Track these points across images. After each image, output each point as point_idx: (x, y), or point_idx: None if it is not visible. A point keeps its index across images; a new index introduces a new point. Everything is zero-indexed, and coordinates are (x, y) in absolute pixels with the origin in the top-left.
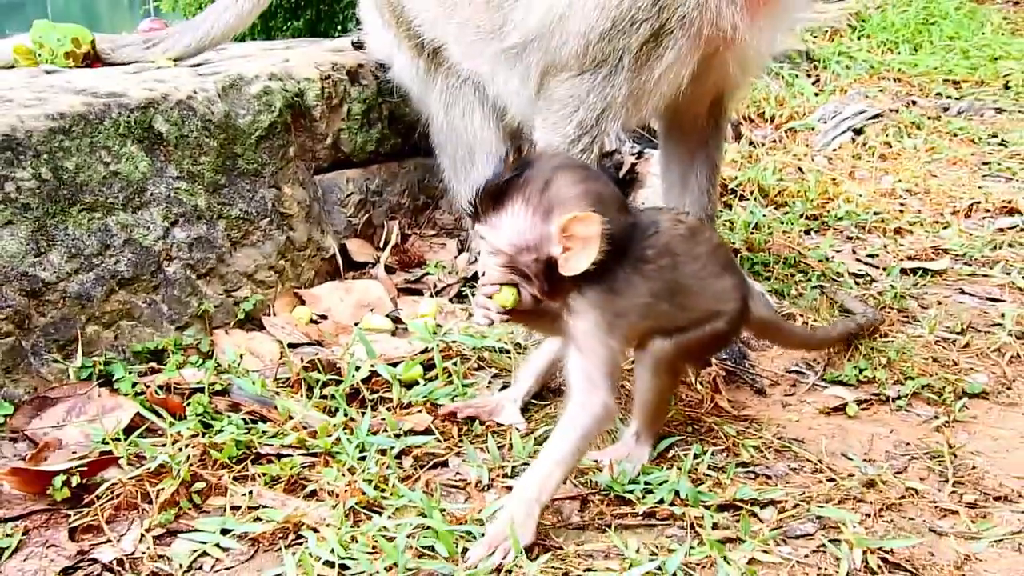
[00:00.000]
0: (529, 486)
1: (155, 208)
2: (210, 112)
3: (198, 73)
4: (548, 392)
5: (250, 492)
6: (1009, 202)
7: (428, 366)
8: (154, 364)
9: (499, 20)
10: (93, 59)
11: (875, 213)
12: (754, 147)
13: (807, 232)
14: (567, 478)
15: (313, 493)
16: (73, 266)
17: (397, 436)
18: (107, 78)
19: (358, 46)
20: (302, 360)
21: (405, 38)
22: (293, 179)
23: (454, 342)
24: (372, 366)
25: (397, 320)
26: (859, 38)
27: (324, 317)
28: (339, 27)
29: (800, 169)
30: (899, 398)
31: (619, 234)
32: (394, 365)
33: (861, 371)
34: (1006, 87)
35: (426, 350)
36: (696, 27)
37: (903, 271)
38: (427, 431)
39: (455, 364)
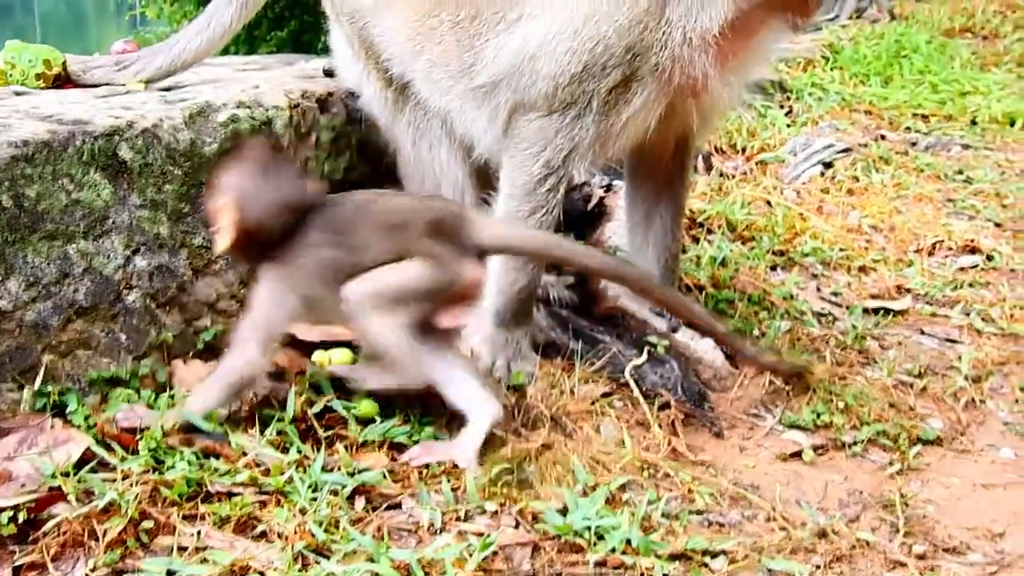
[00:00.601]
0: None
1: (116, 236)
2: (175, 140)
3: (166, 100)
4: (507, 433)
5: (199, 532)
6: (971, 240)
7: (386, 400)
8: (107, 394)
9: (469, 59)
10: (64, 80)
11: (840, 250)
12: (724, 179)
13: (773, 268)
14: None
15: (263, 534)
16: (31, 294)
17: (351, 475)
18: (74, 104)
19: (329, 73)
20: (255, 395)
21: (374, 70)
22: None
23: None
24: (328, 401)
25: (357, 349)
26: (832, 69)
27: (286, 344)
28: (324, 38)
29: (768, 203)
30: (855, 444)
31: (270, 222)
32: (351, 397)
33: (819, 415)
34: (973, 122)
35: None
36: (667, 75)
37: (865, 310)
38: (382, 470)
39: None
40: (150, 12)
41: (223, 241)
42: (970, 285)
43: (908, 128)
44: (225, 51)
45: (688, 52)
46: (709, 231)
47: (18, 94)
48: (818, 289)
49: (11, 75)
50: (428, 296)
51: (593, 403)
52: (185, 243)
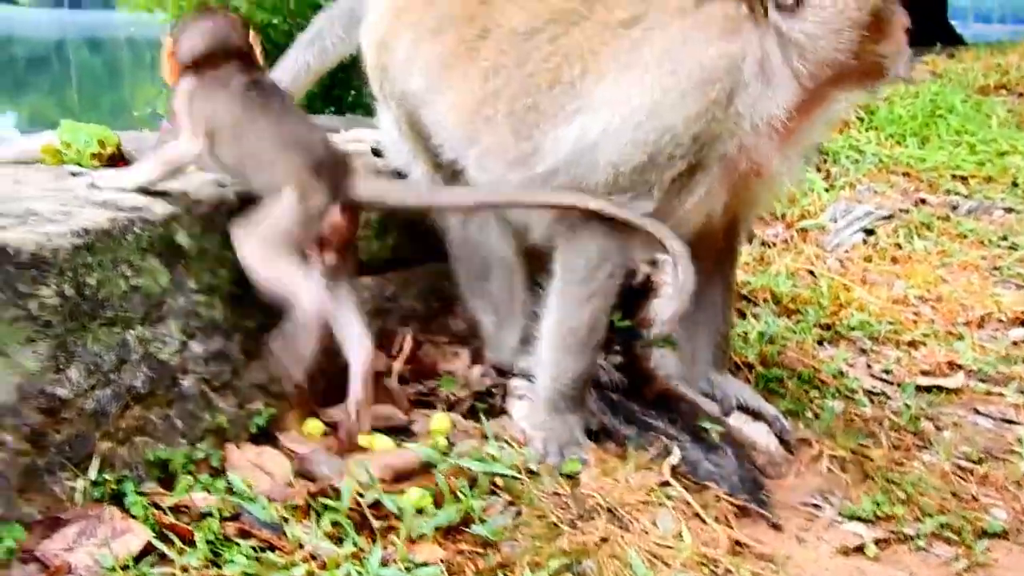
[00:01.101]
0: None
1: (173, 322)
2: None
3: (220, 184)
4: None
5: None
6: (1022, 312)
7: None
8: (166, 481)
9: (527, 148)
10: (118, 159)
11: (888, 323)
12: (766, 247)
13: (820, 342)
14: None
15: None
16: (90, 382)
17: (408, 570)
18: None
19: (377, 153)
20: (310, 483)
21: (423, 152)
22: None
23: (465, 467)
24: (376, 494)
25: (407, 433)
26: (867, 130)
27: (335, 426)
28: (353, 93)
29: (812, 273)
30: (918, 537)
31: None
32: (402, 480)
33: (879, 505)
34: (1014, 184)
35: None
36: (733, 163)
37: (918, 388)
38: (440, 566)
39: (464, 488)
40: None
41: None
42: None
43: (948, 191)
44: None
45: (755, 139)
46: (754, 303)
47: (74, 174)
48: (868, 365)
49: (66, 154)
50: (300, 230)
51: (649, 493)
52: (239, 327)
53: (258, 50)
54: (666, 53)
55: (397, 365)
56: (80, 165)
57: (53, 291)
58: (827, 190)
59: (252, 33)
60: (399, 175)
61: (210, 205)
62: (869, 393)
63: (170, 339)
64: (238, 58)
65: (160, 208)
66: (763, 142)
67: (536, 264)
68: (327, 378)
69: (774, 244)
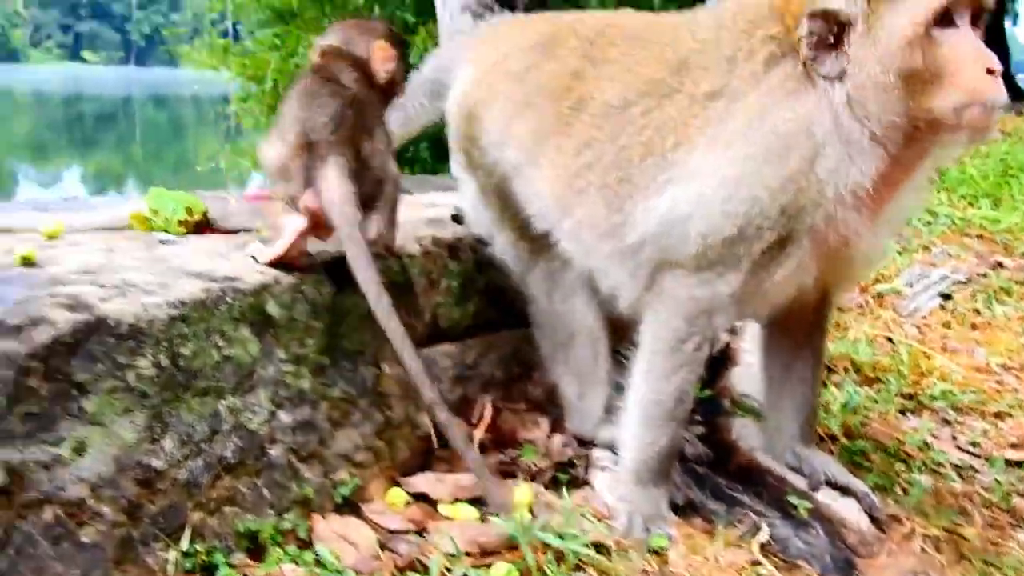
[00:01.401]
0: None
1: (262, 391)
2: (318, 295)
3: (307, 252)
4: None
5: None
6: None
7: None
8: (255, 552)
9: (618, 220)
10: (204, 225)
11: (972, 392)
12: (842, 312)
13: (903, 412)
14: None
15: None
16: (184, 452)
17: None
18: (223, 259)
19: (458, 219)
20: (397, 557)
21: (509, 221)
22: (392, 357)
23: (550, 544)
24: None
25: (487, 504)
26: (939, 191)
27: (419, 497)
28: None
29: (890, 339)
30: None
31: None
32: (488, 555)
33: None
34: None
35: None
36: (822, 235)
37: (1007, 463)
38: None
39: (551, 563)
40: (246, 123)
41: None
42: None
43: None
44: None
45: (842, 210)
46: (833, 371)
47: (163, 242)
48: (953, 437)
49: (154, 221)
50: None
51: (740, 572)
52: (325, 396)
53: None
54: (746, 124)
55: (478, 433)
56: (167, 232)
57: (150, 362)
58: (900, 253)
59: None
60: (481, 243)
61: (299, 275)
62: (957, 467)
63: (259, 409)
64: None
65: (251, 278)
66: (851, 213)
67: (621, 333)
68: (410, 447)
69: (850, 309)
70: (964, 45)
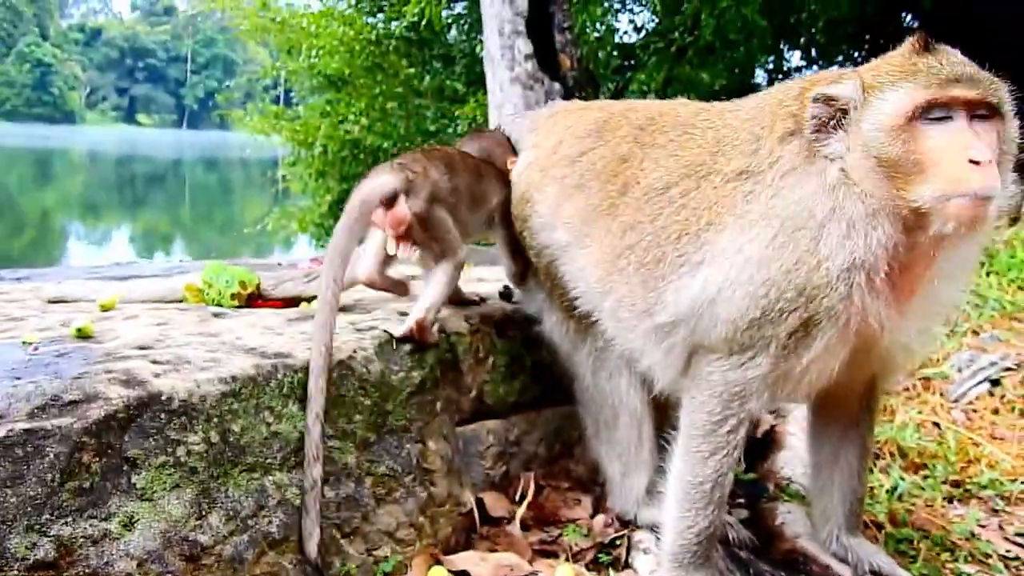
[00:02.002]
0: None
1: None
2: (367, 371)
3: (356, 328)
4: None
5: None
6: None
7: None
8: None
9: (653, 299)
10: (256, 298)
11: (1021, 482)
12: (889, 396)
13: (950, 500)
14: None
15: None
16: (230, 528)
17: None
18: (275, 334)
19: (506, 296)
20: None
21: (558, 300)
22: (437, 433)
23: None
24: None
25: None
26: (988, 275)
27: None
28: None
29: (937, 425)
30: None
31: None
32: None
33: None
34: None
35: None
36: (844, 319)
37: None
38: None
39: None
40: (294, 187)
41: None
42: None
43: None
44: None
45: (860, 297)
46: (880, 456)
47: (216, 315)
48: (1001, 527)
49: (208, 293)
50: None
51: None
52: (370, 472)
53: None
54: (765, 204)
55: (520, 511)
56: (221, 305)
57: (200, 437)
58: (949, 337)
59: None
60: (530, 321)
61: (348, 351)
62: (1004, 558)
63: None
64: None
65: (302, 354)
66: (869, 297)
67: (665, 415)
68: (452, 524)
69: (897, 393)
70: (951, 138)
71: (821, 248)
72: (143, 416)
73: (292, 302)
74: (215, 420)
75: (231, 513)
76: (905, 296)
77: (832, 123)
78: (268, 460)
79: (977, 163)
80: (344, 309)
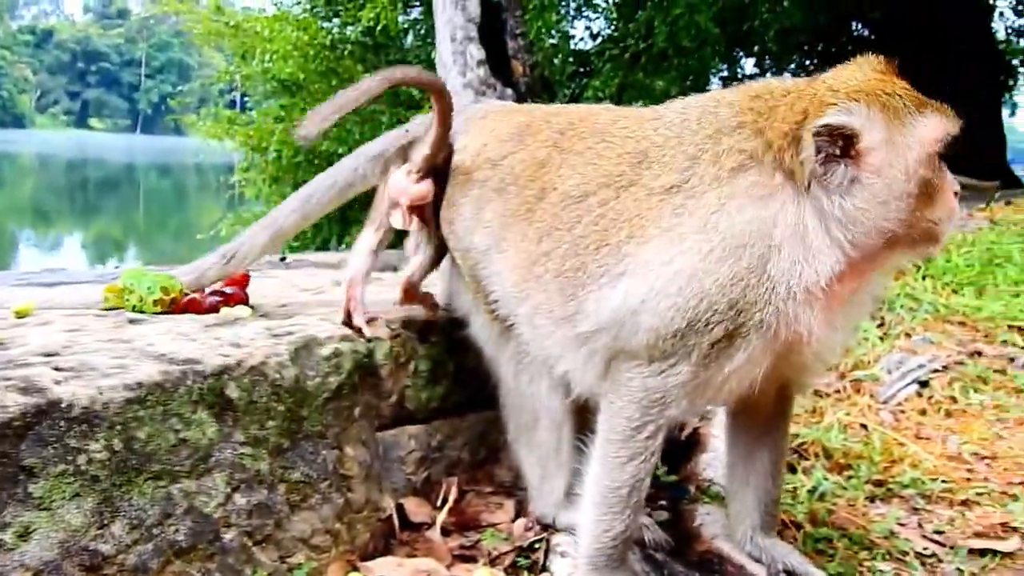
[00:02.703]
0: None
1: (219, 474)
2: (280, 377)
3: (273, 333)
4: None
5: None
6: None
7: None
8: None
9: (572, 308)
10: (180, 302)
11: (942, 481)
12: (819, 398)
13: (872, 500)
14: None
15: None
16: (133, 537)
17: None
18: (187, 340)
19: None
20: None
21: (483, 304)
22: (356, 439)
23: None
24: None
25: None
26: (923, 279)
27: None
28: None
29: (864, 426)
30: None
31: None
32: None
33: None
34: None
35: None
36: (772, 331)
37: (971, 551)
38: None
39: None
40: (248, 192)
41: None
42: None
43: (1005, 342)
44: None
45: (793, 307)
46: (804, 457)
47: (132, 321)
48: (920, 525)
49: (128, 299)
50: None
51: None
52: (284, 478)
53: None
54: (703, 220)
55: (441, 516)
56: (142, 312)
57: (102, 445)
58: (881, 339)
59: None
60: (454, 326)
61: (261, 357)
62: (920, 556)
63: (215, 492)
64: None
65: (213, 360)
66: (803, 311)
67: (586, 418)
68: (370, 530)
69: (827, 395)
70: (943, 169)
71: (769, 268)
72: (41, 424)
73: (215, 308)
74: (119, 427)
75: (135, 522)
76: (836, 305)
77: (837, 152)
78: (176, 468)
79: (957, 194)
80: (263, 315)
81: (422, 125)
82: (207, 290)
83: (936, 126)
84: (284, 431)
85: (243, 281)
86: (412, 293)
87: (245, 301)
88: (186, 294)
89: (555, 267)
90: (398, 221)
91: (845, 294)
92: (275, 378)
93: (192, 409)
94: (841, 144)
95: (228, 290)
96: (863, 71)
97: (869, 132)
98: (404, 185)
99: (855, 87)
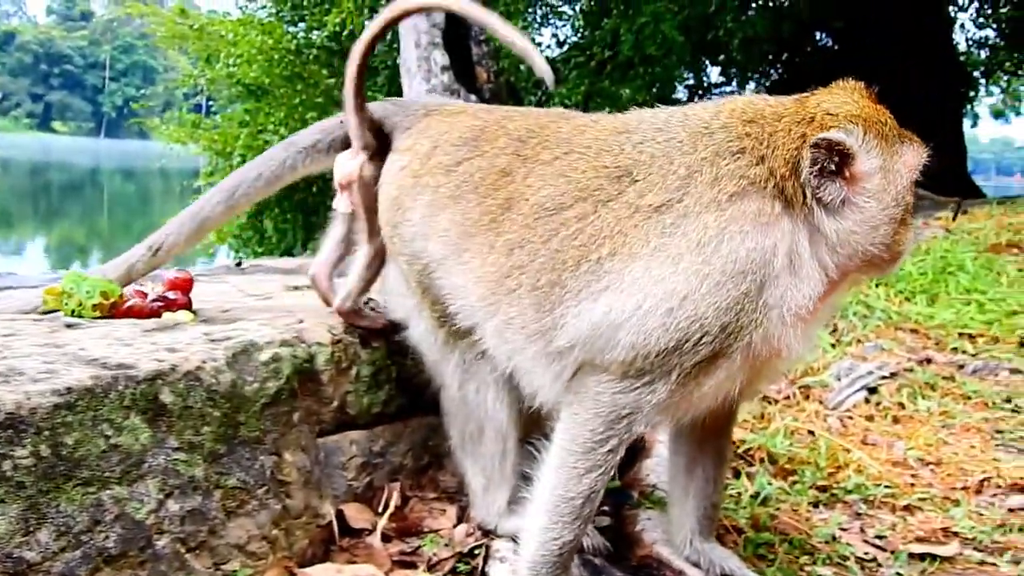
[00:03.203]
0: None
1: (151, 480)
2: (216, 382)
3: (211, 338)
4: None
5: None
6: (1021, 478)
7: None
8: None
9: (548, 323)
10: (120, 307)
11: (886, 486)
12: (768, 403)
13: (816, 505)
14: None
15: None
16: (61, 544)
17: None
18: (122, 345)
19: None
20: None
21: (428, 309)
22: (295, 445)
23: None
24: None
25: None
26: (877, 286)
27: None
28: None
29: (811, 432)
30: None
31: None
32: None
33: None
34: (1021, 344)
35: None
36: (756, 351)
37: (911, 556)
38: None
39: None
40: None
41: None
42: (1020, 529)
43: (955, 349)
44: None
45: (781, 329)
46: (749, 463)
47: (69, 326)
48: (862, 530)
49: (67, 304)
50: None
51: None
52: (219, 484)
53: None
54: (700, 242)
55: (382, 522)
56: (81, 316)
57: (28, 451)
58: (833, 346)
59: None
60: (396, 327)
61: (197, 362)
62: (861, 560)
63: (147, 498)
64: None
65: (146, 365)
66: (787, 331)
67: (531, 424)
68: (309, 536)
69: (776, 401)
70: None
71: (765, 294)
72: None
73: (156, 312)
74: (46, 433)
75: (63, 529)
76: (811, 320)
77: (832, 168)
78: (106, 474)
79: None
80: (205, 320)
81: None
82: (149, 295)
83: (917, 154)
84: (220, 437)
85: (186, 286)
86: (357, 315)
87: (188, 306)
88: (126, 298)
89: (529, 281)
90: (340, 204)
91: (821, 310)
92: (211, 383)
93: (124, 415)
94: (837, 161)
95: (171, 295)
96: (853, 97)
97: (866, 156)
98: (341, 164)
99: (852, 111)
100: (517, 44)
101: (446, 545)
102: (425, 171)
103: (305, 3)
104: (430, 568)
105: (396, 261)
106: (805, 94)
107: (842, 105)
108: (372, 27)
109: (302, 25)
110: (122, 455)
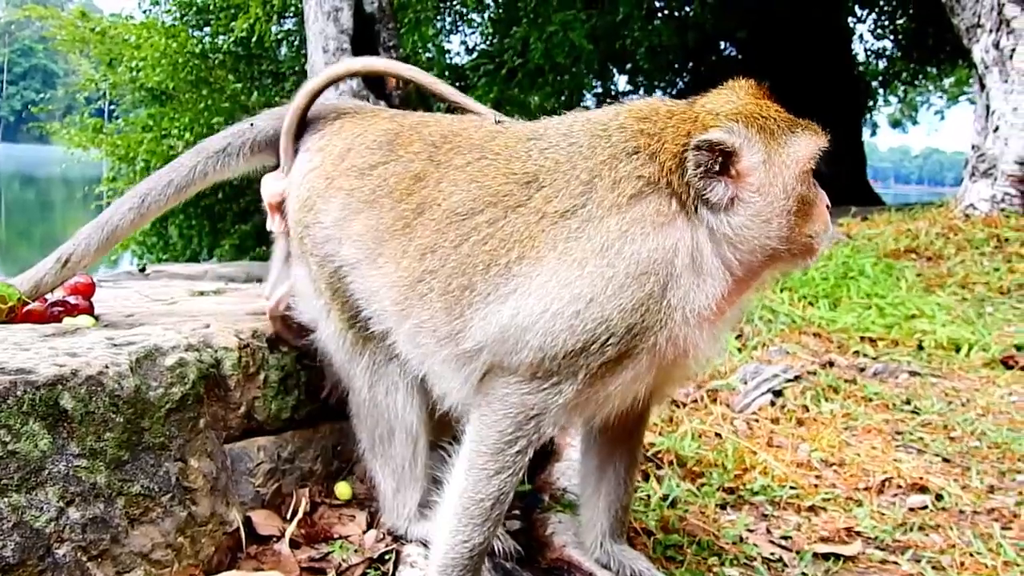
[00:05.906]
0: None
1: (51, 488)
2: (119, 387)
3: (114, 343)
4: None
5: None
6: (920, 478)
7: None
8: None
9: (458, 326)
10: (19, 312)
11: (791, 487)
12: (676, 407)
13: (723, 507)
14: None
15: None
16: None
17: None
18: (20, 350)
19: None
20: None
21: (337, 311)
22: (201, 451)
23: None
24: None
25: None
26: (781, 291)
27: None
28: None
29: (719, 435)
30: None
31: None
32: None
33: None
34: (919, 347)
35: None
36: (662, 352)
37: (816, 556)
38: None
39: None
40: (104, 184)
41: None
42: (920, 528)
43: (857, 352)
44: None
45: (685, 330)
46: (658, 465)
47: None
48: (768, 531)
49: None
50: None
51: None
52: (122, 492)
53: None
54: (604, 246)
55: (290, 529)
56: None
57: None
58: (740, 350)
59: None
60: (304, 330)
61: (99, 367)
62: (767, 560)
63: (47, 506)
64: None
65: (46, 370)
66: (692, 331)
67: (441, 427)
68: (215, 544)
69: (684, 404)
70: (816, 184)
71: (668, 295)
72: None
73: (56, 317)
74: None
75: None
76: (719, 321)
77: (716, 168)
78: (3, 481)
79: (828, 207)
80: (108, 325)
81: (268, 119)
82: (49, 300)
83: (808, 144)
84: (123, 443)
85: (87, 290)
86: (284, 324)
87: (89, 311)
88: (25, 303)
89: (441, 285)
90: (273, 225)
91: (728, 309)
92: (113, 388)
93: (23, 420)
94: (721, 160)
95: (72, 300)
96: (738, 95)
97: (749, 152)
98: (268, 184)
99: (734, 109)
100: (470, 104)
101: (356, 551)
102: (338, 173)
103: (211, 7)
104: (340, 574)
105: (306, 261)
106: (701, 95)
107: (725, 104)
108: (323, 76)
109: (207, 30)
110: (20, 462)
